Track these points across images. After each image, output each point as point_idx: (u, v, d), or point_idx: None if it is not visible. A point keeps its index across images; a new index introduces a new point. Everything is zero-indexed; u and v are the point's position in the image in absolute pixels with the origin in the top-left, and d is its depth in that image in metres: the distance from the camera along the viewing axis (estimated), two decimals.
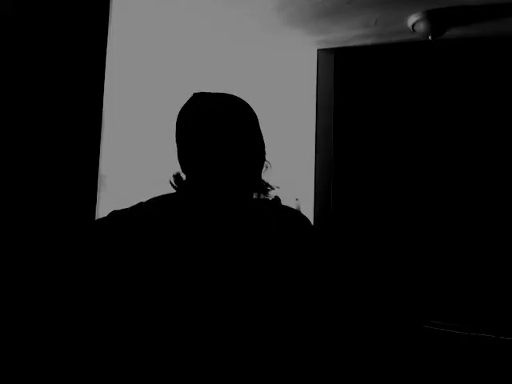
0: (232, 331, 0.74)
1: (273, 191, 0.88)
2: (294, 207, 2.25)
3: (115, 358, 0.76)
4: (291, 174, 2.33)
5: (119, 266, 0.77)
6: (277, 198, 0.90)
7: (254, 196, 0.86)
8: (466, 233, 2.08)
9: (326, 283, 0.91)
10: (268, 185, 0.87)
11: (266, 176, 0.86)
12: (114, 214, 0.82)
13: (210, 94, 0.83)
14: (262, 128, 0.86)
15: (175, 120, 0.83)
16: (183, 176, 0.84)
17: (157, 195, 0.86)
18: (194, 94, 0.83)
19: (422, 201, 2.17)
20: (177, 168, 0.84)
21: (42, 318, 0.83)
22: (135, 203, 0.84)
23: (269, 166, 0.86)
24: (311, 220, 2.29)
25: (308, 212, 2.31)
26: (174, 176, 0.84)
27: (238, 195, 0.82)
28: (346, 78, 2.35)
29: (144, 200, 0.85)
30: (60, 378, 0.78)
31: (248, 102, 0.85)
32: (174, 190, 0.85)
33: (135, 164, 2.58)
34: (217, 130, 0.77)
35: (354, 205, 2.27)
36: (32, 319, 0.83)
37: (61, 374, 0.78)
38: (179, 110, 0.84)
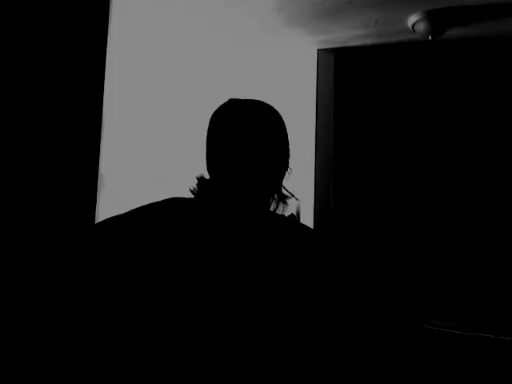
0: (237, 335, 0.75)
1: (291, 201, 0.89)
2: (294, 207, 2.25)
3: (117, 362, 0.76)
4: (291, 174, 2.33)
5: (122, 267, 0.77)
6: (292, 215, 0.92)
7: (273, 206, 0.88)
8: (466, 233, 2.08)
9: (326, 283, 0.91)
10: (288, 191, 0.89)
11: (285, 181, 0.89)
12: (121, 215, 0.82)
13: (243, 100, 0.88)
14: None
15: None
16: (206, 177, 0.87)
17: (157, 199, 0.85)
18: (230, 99, 0.88)
19: (422, 201, 2.17)
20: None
21: (41, 319, 0.83)
22: (139, 205, 0.83)
23: (291, 172, 0.90)
24: (311, 220, 2.29)
25: (308, 212, 2.31)
26: (197, 178, 0.86)
27: (258, 199, 0.85)
28: (346, 78, 2.35)
29: (143, 202, 0.85)
30: (61, 379, 0.79)
31: None
32: (175, 195, 0.85)
33: (135, 164, 2.58)
34: (245, 134, 0.81)
35: (354, 204, 2.27)
36: (31, 320, 0.83)
37: (61, 376, 0.78)
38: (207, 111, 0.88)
